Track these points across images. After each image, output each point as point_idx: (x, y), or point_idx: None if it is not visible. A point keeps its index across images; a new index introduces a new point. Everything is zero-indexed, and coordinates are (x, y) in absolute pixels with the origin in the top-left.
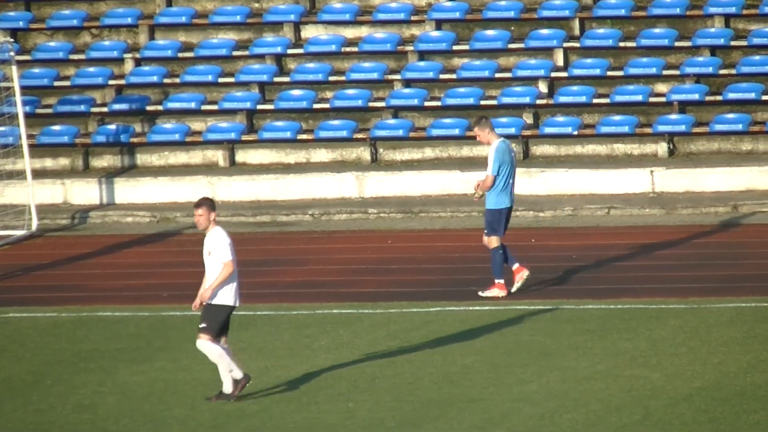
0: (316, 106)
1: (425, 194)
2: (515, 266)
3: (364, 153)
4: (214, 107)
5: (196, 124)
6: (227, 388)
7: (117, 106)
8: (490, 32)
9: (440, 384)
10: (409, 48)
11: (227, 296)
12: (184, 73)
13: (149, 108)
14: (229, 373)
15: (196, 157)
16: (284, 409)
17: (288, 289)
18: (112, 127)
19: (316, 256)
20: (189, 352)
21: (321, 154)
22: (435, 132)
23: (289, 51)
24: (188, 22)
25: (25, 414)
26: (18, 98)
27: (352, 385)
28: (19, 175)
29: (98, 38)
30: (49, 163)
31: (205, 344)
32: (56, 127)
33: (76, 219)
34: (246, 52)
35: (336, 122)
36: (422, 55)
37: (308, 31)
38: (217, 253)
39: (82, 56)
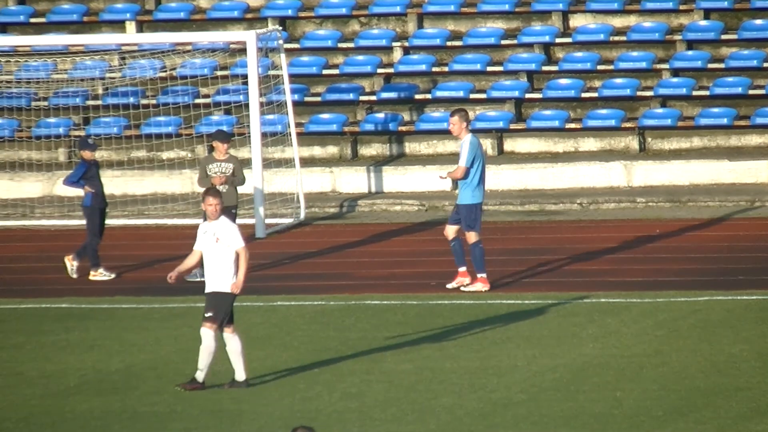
0: (584, 95)
1: (693, 183)
2: (462, 269)
3: (632, 142)
4: (483, 96)
5: None
6: (240, 375)
7: (385, 95)
8: (758, 22)
9: (707, 373)
10: (678, 37)
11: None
12: (452, 62)
13: (417, 96)
14: (203, 367)
15: None
16: (551, 398)
17: (555, 278)
18: (381, 115)
19: (583, 245)
20: (456, 341)
21: (589, 143)
22: (703, 121)
23: (558, 40)
24: (457, 11)
25: (293, 402)
26: (287, 86)
27: (620, 374)
28: (288, 163)
29: (367, 26)
30: (317, 151)
31: (208, 334)
32: (325, 116)
33: (345, 207)
34: (514, 41)
35: (604, 111)
36: (690, 44)
37: (576, 20)
38: (230, 240)
39: (350, 44)
